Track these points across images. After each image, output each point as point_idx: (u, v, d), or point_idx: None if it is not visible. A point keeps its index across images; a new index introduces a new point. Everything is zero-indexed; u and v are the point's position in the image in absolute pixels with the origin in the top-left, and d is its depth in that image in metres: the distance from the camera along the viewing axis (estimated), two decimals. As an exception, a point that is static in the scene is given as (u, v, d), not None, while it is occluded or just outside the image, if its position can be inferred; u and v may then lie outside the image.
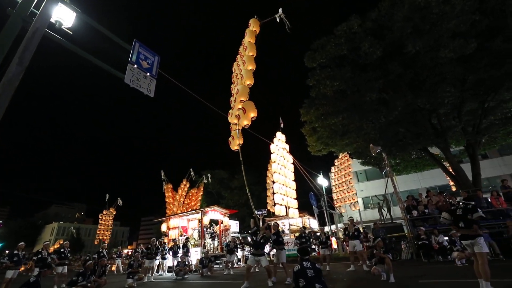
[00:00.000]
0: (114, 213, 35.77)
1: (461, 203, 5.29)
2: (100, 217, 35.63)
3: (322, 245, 10.28)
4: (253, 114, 10.44)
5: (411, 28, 11.57)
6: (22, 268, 10.99)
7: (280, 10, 10.94)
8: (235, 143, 11.12)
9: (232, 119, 11.59)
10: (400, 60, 12.33)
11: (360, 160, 18.98)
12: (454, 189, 16.14)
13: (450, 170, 14.83)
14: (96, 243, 34.96)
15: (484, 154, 24.00)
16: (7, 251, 38.14)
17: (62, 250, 10.74)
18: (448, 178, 16.87)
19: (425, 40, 11.24)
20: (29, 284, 5.87)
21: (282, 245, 7.80)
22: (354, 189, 24.29)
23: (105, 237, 34.56)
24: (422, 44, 11.26)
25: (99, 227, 35.31)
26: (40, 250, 10.47)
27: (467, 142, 14.15)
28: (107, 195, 34.63)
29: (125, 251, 31.61)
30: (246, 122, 10.62)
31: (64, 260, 10.59)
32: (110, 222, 35.58)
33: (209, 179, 29.19)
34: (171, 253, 13.65)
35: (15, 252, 9.17)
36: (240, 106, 10.84)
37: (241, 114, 10.70)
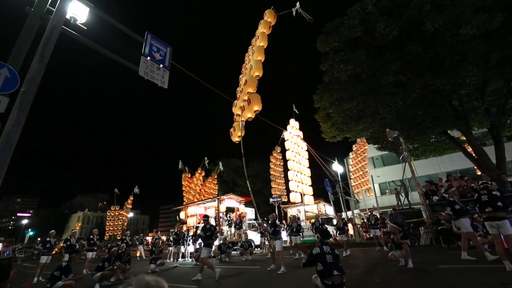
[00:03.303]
0: (131, 202, 35.17)
1: (481, 188, 5.29)
2: (108, 213, 35.34)
3: (340, 231, 10.45)
4: (257, 107, 10.14)
5: (430, 4, 10.92)
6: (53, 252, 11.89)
7: (298, 3, 10.67)
8: (236, 135, 11.06)
9: (236, 110, 11.47)
10: (418, 39, 11.74)
11: (376, 146, 18.58)
12: (479, 172, 15.49)
13: (472, 153, 14.25)
14: (106, 238, 33.49)
15: (509, 136, 22.77)
16: (39, 239, 40.69)
17: (91, 237, 11.58)
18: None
19: (446, 16, 10.56)
20: (61, 268, 6.31)
21: (279, 235, 7.97)
22: (368, 174, 23.96)
23: (115, 232, 33.93)
24: (442, 21, 10.60)
25: (108, 223, 34.76)
26: (69, 237, 11.18)
27: (490, 123, 13.47)
28: (116, 190, 33.62)
29: (147, 238, 32.22)
30: (249, 115, 10.36)
31: (93, 246, 11.44)
32: (120, 217, 35.09)
33: (221, 167, 29.29)
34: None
35: (48, 239, 9.87)
36: (246, 98, 10.59)
37: (246, 106, 10.48)
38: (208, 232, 7.50)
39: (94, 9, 5.09)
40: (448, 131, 14.83)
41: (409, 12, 11.44)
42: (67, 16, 4.58)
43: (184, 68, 8.45)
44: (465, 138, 14.67)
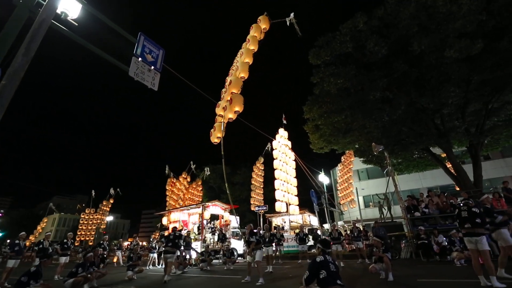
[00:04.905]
0: (107, 204, 33.92)
1: (462, 204, 5.45)
2: (82, 216, 33.37)
3: (335, 241, 10.38)
4: (238, 108, 9.89)
5: (417, 26, 11.46)
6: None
7: (292, 14, 10.82)
8: (215, 135, 10.78)
9: (219, 111, 11.22)
10: (405, 58, 12.24)
11: (362, 159, 18.96)
12: (458, 189, 16.10)
13: (452, 170, 14.80)
14: (76, 244, 30.57)
15: (486, 156, 23.88)
16: (8, 241, 38.35)
17: (65, 240, 10.97)
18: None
19: (431, 39, 11.13)
20: (30, 273, 5.90)
21: (258, 244, 7.83)
22: (352, 186, 24.35)
23: (88, 237, 32.29)
24: (427, 43, 11.16)
25: (80, 227, 32.78)
26: (42, 240, 10.57)
27: (469, 143, 14.10)
28: (93, 192, 32.28)
29: (125, 243, 30.62)
30: (230, 116, 10.11)
31: (67, 251, 10.82)
32: (95, 221, 33.60)
33: (207, 172, 28.60)
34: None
35: (17, 241, 9.26)
36: (229, 98, 10.31)
37: (228, 106, 10.22)
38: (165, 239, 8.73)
39: (87, 5, 4.98)
40: (430, 148, 15.37)
41: (397, 32, 11.95)
42: (58, 11, 4.46)
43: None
44: (445, 155, 15.23)
